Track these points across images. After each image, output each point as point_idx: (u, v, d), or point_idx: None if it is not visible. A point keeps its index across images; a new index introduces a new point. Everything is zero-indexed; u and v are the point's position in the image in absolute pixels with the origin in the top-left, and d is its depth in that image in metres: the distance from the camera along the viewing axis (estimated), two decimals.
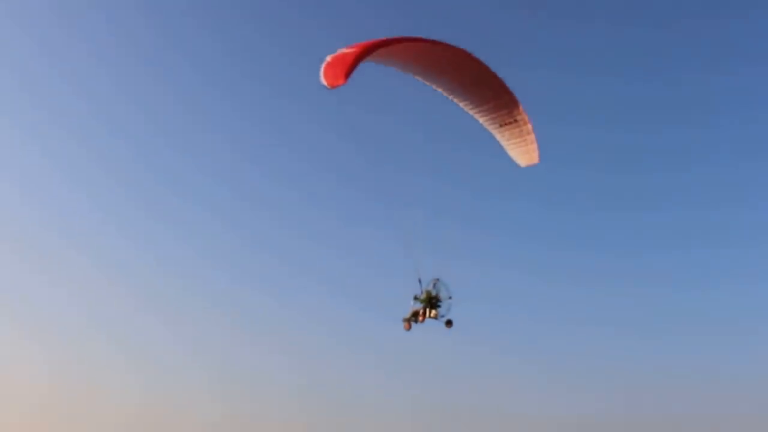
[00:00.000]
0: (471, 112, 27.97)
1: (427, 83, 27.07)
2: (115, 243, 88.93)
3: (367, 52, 22.87)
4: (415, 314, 24.72)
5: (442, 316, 24.74)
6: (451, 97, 27.56)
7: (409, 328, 24.80)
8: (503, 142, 28.39)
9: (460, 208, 28.45)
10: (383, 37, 23.81)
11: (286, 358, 73.37)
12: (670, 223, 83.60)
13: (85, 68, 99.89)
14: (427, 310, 24.58)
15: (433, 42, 24.60)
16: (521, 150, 28.14)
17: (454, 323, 24.82)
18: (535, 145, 27.77)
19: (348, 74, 22.13)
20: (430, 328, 25.49)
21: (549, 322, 73.46)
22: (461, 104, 27.76)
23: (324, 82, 22.39)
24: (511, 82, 26.58)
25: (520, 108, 27.15)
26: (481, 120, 28.09)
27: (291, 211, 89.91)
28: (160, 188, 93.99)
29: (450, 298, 24.80)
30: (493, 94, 26.84)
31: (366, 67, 24.53)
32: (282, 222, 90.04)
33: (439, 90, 27.28)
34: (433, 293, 24.71)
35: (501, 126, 27.97)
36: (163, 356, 74.74)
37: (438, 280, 24.89)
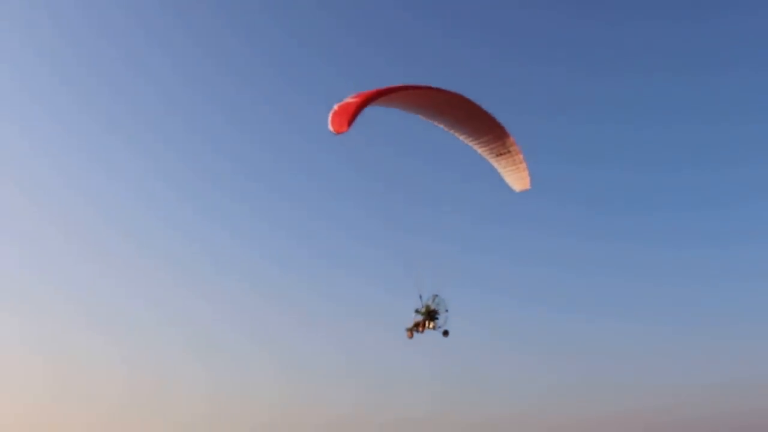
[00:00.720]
0: (470, 144, 31.29)
1: (428, 121, 30.53)
2: (179, 243, 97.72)
3: (368, 101, 26.38)
4: (417, 325, 28.24)
5: (440, 327, 28.17)
6: (450, 132, 30.93)
7: (411, 336, 28.28)
8: (500, 170, 31.56)
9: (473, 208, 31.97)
10: (385, 86, 27.52)
11: (336, 346, 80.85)
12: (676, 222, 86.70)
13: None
14: (427, 321, 28.07)
15: (428, 88, 27.93)
16: (515, 177, 31.27)
17: (450, 333, 28.29)
18: (526, 173, 30.89)
19: (351, 122, 25.72)
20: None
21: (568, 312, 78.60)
22: (460, 138, 31.09)
23: (331, 128, 26.13)
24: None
25: (512, 139, 30.30)
26: (479, 151, 31.33)
27: (333, 212, 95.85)
28: (222, 195, 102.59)
29: (446, 311, 28.24)
30: (487, 128, 30.03)
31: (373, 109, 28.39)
32: (326, 222, 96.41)
33: (440, 126, 30.69)
34: (432, 307, 28.16)
35: (497, 156, 31.18)
36: (229, 347, 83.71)
37: (437, 295, 28.32)
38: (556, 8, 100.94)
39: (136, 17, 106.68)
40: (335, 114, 26.34)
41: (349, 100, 26.70)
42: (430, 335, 28.33)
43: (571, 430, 69.42)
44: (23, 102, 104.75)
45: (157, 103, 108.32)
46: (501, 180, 32.26)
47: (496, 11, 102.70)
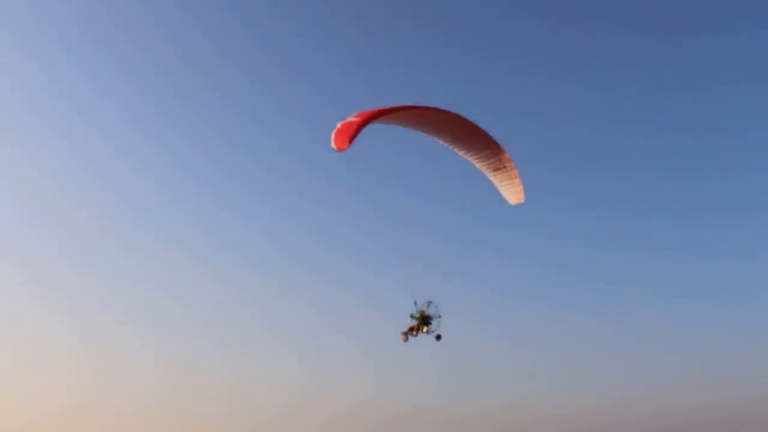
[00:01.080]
0: (469, 160, 33.06)
1: (429, 136, 32.37)
2: (207, 239, 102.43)
3: (368, 120, 28.23)
4: (411, 329, 30.19)
5: (433, 332, 30.07)
6: (450, 147, 32.74)
7: (407, 339, 30.24)
8: (496, 184, 33.31)
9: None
10: (386, 106, 29.42)
11: (352, 339, 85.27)
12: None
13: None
14: (421, 326, 30.00)
15: (427, 108, 29.75)
16: (511, 191, 32.99)
17: (442, 337, 30.20)
18: (521, 187, 32.61)
19: (351, 140, 27.61)
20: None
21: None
22: (460, 153, 32.89)
23: (333, 146, 28.11)
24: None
25: (507, 155, 32.04)
26: (477, 165, 33.11)
27: (351, 212, 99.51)
28: (245, 193, 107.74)
29: (439, 317, 30.11)
30: (483, 145, 31.78)
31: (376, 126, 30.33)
32: (347, 221, 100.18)
33: (440, 142, 32.51)
34: (426, 313, 30.07)
35: (494, 170, 32.92)
36: (251, 338, 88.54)
37: (431, 302, 30.21)
38: (560, 19, 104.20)
39: (157, 14, 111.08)
40: (338, 132, 28.19)
41: (351, 119, 28.58)
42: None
43: (563, 419, 73.24)
44: (58, 102, 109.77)
45: (187, 104, 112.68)
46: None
47: (499, 20, 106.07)
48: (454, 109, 30.60)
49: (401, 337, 30.31)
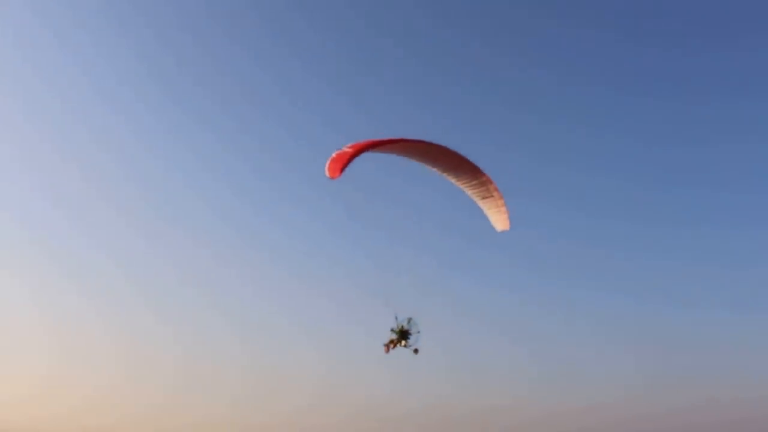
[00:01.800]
0: (460, 187, 35.48)
1: (422, 165, 34.91)
2: (233, 236, 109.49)
3: (360, 152, 30.96)
4: (391, 341, 33.01)
5: (411, 346, 32.81)
6: (443, 176, 35.21)
7: (387, 351, 33.12)
8: (485, 211, 35.65)
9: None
10: (379, 138, 32.12)
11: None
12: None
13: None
14: (399, 340, 32.80)
15: (419, 141, 32.17)
16: (497, 218, 35.28)
17: (419, 351, 32.88)
18: (506, 216, 34.87)
19: (343, 169, 30.47)
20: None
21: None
22: (451, 181, 35.34)
23: (327, 173, 31.05)
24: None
25: (494, 186, 34.33)
26: (468, 193, 35.53)
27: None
28: (269, 188, 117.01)
29: (418, 332, 32.82)
30: (472, 176, 34.17)
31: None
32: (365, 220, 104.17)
33: (433, 171, 35.00)
34: (406, 328, 32.81)
35: (483, 198, 35.27)
36: (273, 332, 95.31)
37: (411, 318, 32.91)
38: (569, 20, 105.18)
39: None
40: (331, 161, 31.00)
41: (345, 149, 31.41)
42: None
43: (563, 417, 77.91)
44: (91, 100, 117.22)
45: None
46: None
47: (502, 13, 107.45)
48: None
49: (383, 349, 33.17)
